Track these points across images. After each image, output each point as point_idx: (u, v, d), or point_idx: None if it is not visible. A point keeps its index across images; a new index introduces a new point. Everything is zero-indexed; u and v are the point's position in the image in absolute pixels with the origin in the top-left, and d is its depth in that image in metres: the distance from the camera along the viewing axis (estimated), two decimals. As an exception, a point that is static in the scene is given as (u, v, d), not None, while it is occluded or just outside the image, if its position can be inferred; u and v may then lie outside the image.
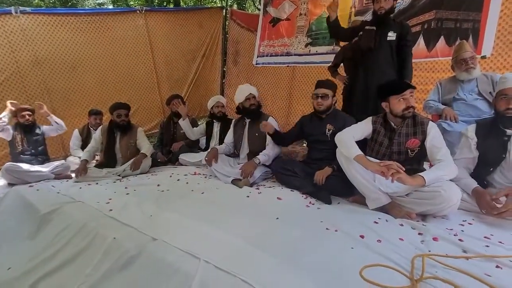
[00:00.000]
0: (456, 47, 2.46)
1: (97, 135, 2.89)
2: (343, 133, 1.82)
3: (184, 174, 2.58)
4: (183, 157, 3.01)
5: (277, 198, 1.92)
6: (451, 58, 2.50)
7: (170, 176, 2.54)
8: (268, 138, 2.47)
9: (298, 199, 1.93)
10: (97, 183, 2.44)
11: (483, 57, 2.77)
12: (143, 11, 4.37)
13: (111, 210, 1.76)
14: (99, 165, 2.79)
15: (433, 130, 1.69)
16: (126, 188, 2.25)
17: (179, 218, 1.61)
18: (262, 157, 2.37)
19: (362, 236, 1.36)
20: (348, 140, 1.75)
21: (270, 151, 2.42)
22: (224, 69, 5.29)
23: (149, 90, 4.65)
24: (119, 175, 2.68)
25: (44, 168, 2.75)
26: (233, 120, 2.83)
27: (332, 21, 2.43)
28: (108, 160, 2.80)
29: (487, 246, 1.27)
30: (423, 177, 1.51)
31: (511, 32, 2.72)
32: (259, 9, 4.71)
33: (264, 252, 1.22)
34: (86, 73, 4.08)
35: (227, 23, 5.17)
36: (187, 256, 1.21)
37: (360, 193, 1.77)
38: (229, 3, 5.47)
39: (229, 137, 2.76)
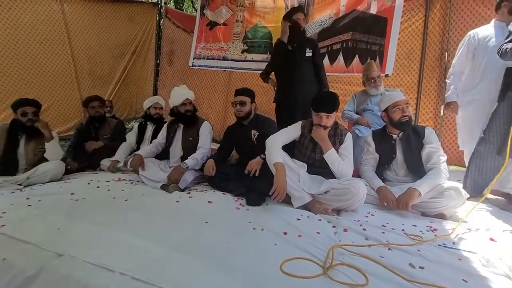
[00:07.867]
0: (365, 66, 2.87)
1: None
2: (273, 137, 1.93)
3: (105, 181, 2.31)
4: (105, 162, 2.69)
5: (208, 201, 1.90)
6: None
7: (88, 184, 2.25)
8: (200, 142, 2.44)
9: (229, 201, 1.94)
10: (-14, 195, 1.98)
11: (387, 76, 3.32)
12: (59, -5, 3.82)
13: (3, 225, 1.46)
14: None
15: (347, 140, 1.98)
16: (27, 199, 1.89)
17: (94, 229, 1.43)
18: (190, 161, 2.31)
19: (285, 233, 1.45)
20: (275, 146, 1.87)
21: (199, 155, 2.37)
22: (158, 68, 5.01)
23: (66, 86, 4.04)
24: (19, 184, 2.23)
25: None
26: (167, 122, 2.69)
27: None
28: (7, 168, 2.31)
29: (383, 232, 1.50)
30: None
31: (405, 56, 3.34)
32: (197, 10, 4.64)
33: (188, 256, 1.19)
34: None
35: (162, 21, 4.92)
36: (100, 270, 1.08)
37: (286, 193, 1.89)
38: (165, 0, 5.21)
39: (160, 138, 2.59)
